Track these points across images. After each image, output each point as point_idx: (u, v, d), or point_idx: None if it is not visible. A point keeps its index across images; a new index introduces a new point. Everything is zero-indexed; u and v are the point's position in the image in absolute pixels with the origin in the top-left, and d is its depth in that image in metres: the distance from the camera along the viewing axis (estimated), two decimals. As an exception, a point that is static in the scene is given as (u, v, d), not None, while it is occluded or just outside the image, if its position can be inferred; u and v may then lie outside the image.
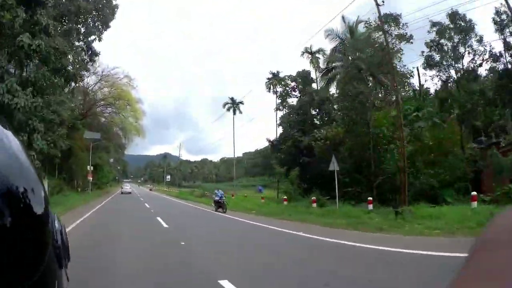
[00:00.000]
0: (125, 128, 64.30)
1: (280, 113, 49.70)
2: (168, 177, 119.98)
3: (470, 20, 34.61)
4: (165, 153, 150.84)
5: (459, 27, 34.43)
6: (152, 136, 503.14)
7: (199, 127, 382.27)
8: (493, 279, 0.45)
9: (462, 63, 35.54)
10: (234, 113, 75.69)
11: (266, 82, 55.42)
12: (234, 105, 76.51)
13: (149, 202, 41.34)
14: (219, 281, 7.26)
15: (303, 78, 47.66)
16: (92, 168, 53.14)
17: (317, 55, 49.21)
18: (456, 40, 34.79)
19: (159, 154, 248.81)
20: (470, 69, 35.54)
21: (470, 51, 34.81)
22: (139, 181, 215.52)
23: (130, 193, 75.05)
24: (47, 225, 0.71)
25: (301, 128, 40.92)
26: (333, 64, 43.45)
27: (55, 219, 0.81)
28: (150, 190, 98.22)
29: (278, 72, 54.39)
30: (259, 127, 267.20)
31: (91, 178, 53.08)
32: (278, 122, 49.55)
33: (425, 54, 35.77)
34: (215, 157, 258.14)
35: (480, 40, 34.53)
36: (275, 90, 53.49)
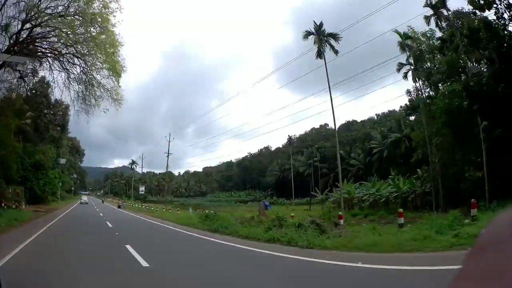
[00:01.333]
0: (92, 73, 30.06)
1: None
2: (142, 189, 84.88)
3: None
4: (131, 161, 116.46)
5: None
6: (111, 149, 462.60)
7: (158, 141, 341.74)
8: (493, 279, 0.43)
9: None
10: (320, 55, 37.31)
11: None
12: (322, 38, 36.72)
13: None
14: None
15: None
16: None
17: None
18: None
19: (118, 167, 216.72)
20: None
21: None
22: (98, 194, 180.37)
23: (87, 203, 75.99)
24: None
25: None
26: None
27: None
28: (119, 207, 63.12)
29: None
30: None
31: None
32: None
33: None
34: (176, 172, 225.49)
35: None
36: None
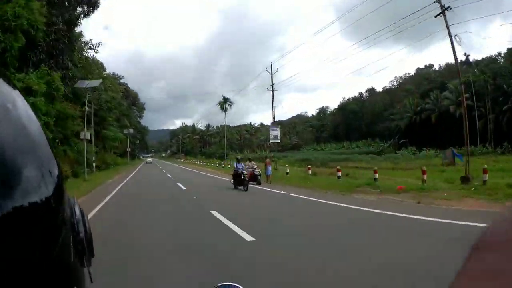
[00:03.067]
0: None
1: None
2: (276, 133, 37.91)
3: None
4: (223, 98, 75.50)
5: None
6: (170, 111, 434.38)
7: (220, 97, 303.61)
8: (493, 279, 0.42)
9: None
10: None
11: None
12: None
13: None
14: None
15: None
16: None
17: None
18: None
19: (178, 128, 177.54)
20: None
21: None
22: (163, 155, 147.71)
23: (151, 163, 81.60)
24: (59, 212, 0.46)
25: None
26: None
27: (75, 205, 0.57)
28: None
29: None
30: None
31: None
32: None
33: None
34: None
35: None
36: None
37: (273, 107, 37.02)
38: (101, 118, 41.98)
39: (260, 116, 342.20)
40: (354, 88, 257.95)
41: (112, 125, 47.68)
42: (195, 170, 44.92)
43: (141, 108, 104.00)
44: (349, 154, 71.27)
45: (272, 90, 37.43)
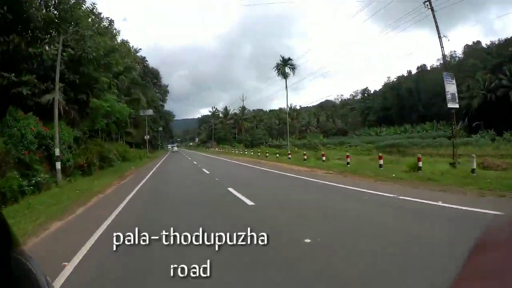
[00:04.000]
0: None
1: None
2: (453, 89, 21.43)
3: None
4: (281, 59, 56.56)
5: None
6: (193, 101, 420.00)
7: (244, 85, 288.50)
8: (493, 279, 0.41)
9: None
10: None
11: None
12: None
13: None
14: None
15: None
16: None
17: None
18: None
19: (207, 115, 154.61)
20: None
21: None
22: (190, 144, 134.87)
23: (178, 151, 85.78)
24: None
25: None
26: None
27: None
28: None
29: None
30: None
31: None
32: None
33: None
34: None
35: None
36: None
37: (440, 37, 19.55)
38: (84, 76, 22.35)
39: (282, 102, 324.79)
40: (380, 73, 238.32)
41: (111, 92, 29.18)
42: (274, 170, 22.51)
43: (164, 90, 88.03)
44: (425, 138, 61.87)
45: (433, 10, 19.95)
